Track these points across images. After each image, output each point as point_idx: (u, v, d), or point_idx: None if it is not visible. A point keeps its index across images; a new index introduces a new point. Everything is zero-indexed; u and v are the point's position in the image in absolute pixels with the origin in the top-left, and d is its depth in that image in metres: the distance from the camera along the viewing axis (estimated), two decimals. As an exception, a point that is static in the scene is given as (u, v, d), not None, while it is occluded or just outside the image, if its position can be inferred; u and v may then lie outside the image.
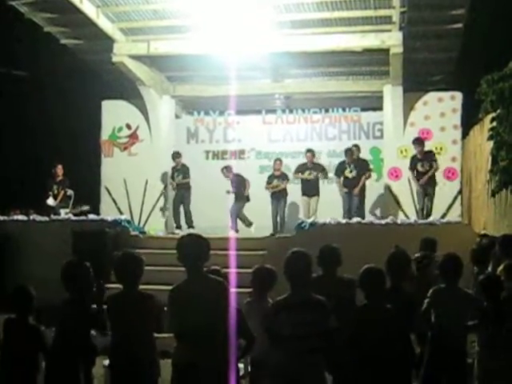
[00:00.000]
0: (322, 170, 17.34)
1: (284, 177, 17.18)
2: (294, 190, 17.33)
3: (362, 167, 16.68)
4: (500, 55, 13.82)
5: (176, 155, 17.59)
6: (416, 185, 15.99)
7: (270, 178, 17.20)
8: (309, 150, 17.42)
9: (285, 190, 17.06)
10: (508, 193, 8.87)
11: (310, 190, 17.04)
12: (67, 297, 6.57)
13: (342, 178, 16.73)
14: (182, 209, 17.46)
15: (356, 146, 17.38)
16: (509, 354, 6.86)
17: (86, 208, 17.62)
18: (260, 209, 16.94)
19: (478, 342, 7.13)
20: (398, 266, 7.26)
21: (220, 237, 15.31)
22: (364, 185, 16.64)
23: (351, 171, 16.46)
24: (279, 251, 11.67)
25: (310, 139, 19.92)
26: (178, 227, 17.25)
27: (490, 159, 8.85)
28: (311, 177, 17.03)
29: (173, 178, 17.58)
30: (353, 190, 16.37)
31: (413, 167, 15.88)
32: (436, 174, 15.93)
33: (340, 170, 16.91)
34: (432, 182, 15.80)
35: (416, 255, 9.32)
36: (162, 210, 18.35)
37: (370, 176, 16.94)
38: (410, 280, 7.95)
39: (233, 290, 7.82)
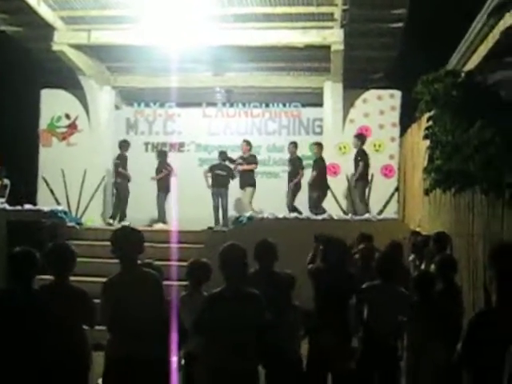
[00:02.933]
0: (252, 160, 17.38)
1: (227, 170, 17.19)
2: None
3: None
4: (439, 55, 14.08)
5: (124, 144, 17.62)
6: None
7: (212, 168, 17.23)
8: (245, 141, 17.54)
9: (226, 183, 17.04)
10: (442, 191, 9.04)
11: (243, 181, 17.10)
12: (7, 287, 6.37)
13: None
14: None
15: (293, 142, 17.51)
16: (433, 352, 6.99)
17: (6, 182, 17.31)
18: (199, 201, 16.93)
19: (408, 339, 7.24)
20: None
21: (157, 229, 15.36)
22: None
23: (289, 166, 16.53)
24: (216, 245, 11.72)
25: (250, 133, 19.92)
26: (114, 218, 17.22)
27: (426, 158, 8.98)
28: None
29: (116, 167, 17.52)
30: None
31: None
32: (370, 171, 16.29)
33: None
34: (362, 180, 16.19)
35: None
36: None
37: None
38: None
39: (171, 282, 7.84)
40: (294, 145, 17.33)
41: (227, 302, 5.86)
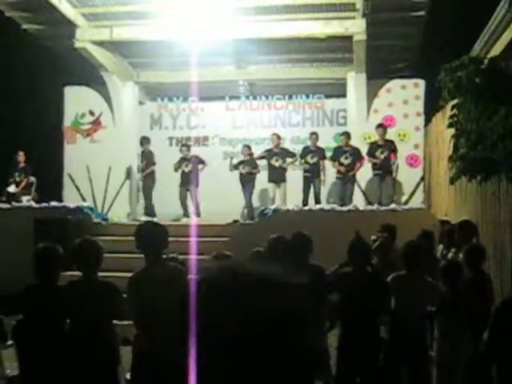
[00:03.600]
0: (290, 155, 17.35)
1: (252, 163, 17.19)
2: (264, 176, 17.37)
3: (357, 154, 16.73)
4: (463, 43, 13.97)
5: (144, 140, 17.62)
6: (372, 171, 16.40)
7: (236, 166, 17.21)
8: (274, 134, 17.48)
9: (252, 176, 17.04)
10: (467, 180, 8.98)
11: (277, 176, 17.06)
12: (34, 283, 6.35)
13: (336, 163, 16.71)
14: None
15: (314, 133, 17.49)
16: (463, 342, 6.95)
17: (32, 179, 17.43)
18: (225, 195, 16.97)
19: (438, 330, 7.20)
20: (360, 252, 7.32)
21: (182, 224, 15.37)
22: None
23: (347, 158, 16.46)
24: (241, 238, 11.75)
25: (274, 126, 19.92)
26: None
27: (451, 147, 8.92)
28: (279, 163, 17.05)
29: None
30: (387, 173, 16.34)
31: (372, 154, 16.20)
32: (397, 161, 16.23)
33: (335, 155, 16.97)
34: (390, 169, 16.21)
35: (372, 237, 9.41)
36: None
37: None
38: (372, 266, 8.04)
39: (195, 277, 7.80)
40: (316, 135, 17.34)
41: None
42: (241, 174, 16.99)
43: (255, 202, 17.35)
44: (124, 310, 6.29)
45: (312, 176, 16.84)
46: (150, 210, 17.21)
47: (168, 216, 16.48)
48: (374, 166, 16.30)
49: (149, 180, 17.51)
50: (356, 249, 7.32)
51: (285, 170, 17.16)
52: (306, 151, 17.16)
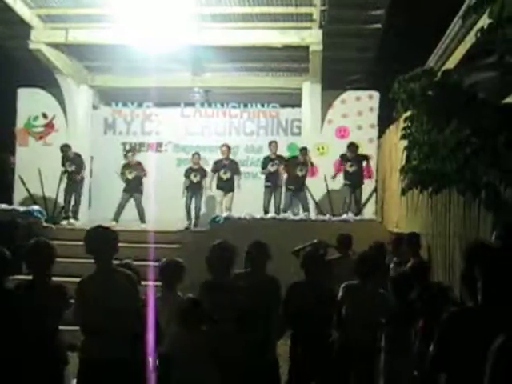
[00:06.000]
0: (236, 168, 17.30)
1: (201, 171, 17.08)
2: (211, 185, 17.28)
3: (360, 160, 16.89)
4: (418, 57, 14.09)
5: (66, 148, 17.19)
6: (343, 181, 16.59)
7: (188, 172, 17.09)
8: (224, 145, 17.43)
9: (201, 183, 16.96)
10: (419, 192, 9.05)
11: (225, 186, 17.04)
12: None
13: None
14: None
15: (274, 141, 17.52)
16: (410, 355, 6.99)
17: None
18: (177, 201, 16.87)
19: (386, 341, 7.23)
20: (313, 262, 7.33)
21: (134, 229, 15.27)
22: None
23: (351, 165, 16.48)
24: (194, 245, 11.70)
25: (229, 134, 19.99)
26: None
27: (404, 158, 8.99)
28: (227, 176, 17.01)
29: (64, 167, 17.16)
30: (357, 185, 16.53)
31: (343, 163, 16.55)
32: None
33: (265, 163, 17.16)
34: (361, 181, 16.60)
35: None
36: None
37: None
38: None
39: (147, 283, 7.78)
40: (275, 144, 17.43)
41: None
42: (191, 183, 16.90)
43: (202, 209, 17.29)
44: (70, 315, 6.22)
45: (273, 185, 16.87)
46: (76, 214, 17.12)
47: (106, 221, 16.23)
48: (345, 175, 16.43)
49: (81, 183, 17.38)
50: (310, 259, 7.32)
51: (233, 181, 17.14)
52: (266, 161, 17.18)
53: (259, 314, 6.57)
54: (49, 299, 6.13)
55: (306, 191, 16.84)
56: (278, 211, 16.34)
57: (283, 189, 16.90)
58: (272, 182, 16.97)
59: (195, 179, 16.88)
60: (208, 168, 17.30)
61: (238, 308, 6.45)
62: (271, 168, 16.97)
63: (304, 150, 16.84)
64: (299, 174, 16.65)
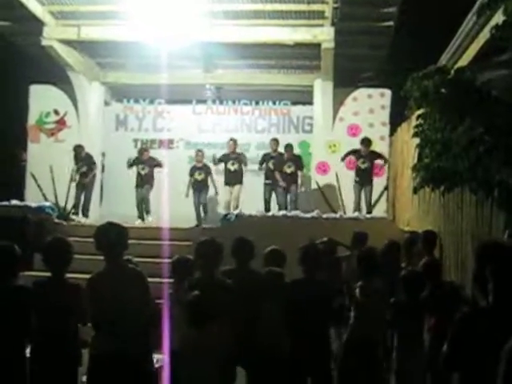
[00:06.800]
0: (243, 160, 17.42)
1: (206, 169, 17.13)
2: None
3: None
4: (430, 55, 14.05)
5: (79, 149, 17.24)
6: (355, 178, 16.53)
7: (192, 170, 17.13)
8: (231, 139, 17.47)
9: (206, 181, 17.00)
10: (431, 190, 9.01)
11: (233, 179, 17.07)
12: None
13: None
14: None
15: (274, 139, 17.61)
16: (422, 353, 6.96)
17: None
18: (187, 199, 16.85)
19: (397, 339, 7.20)
20: (311, 258, 7.27)
21: (145, 226, 15.29)
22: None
23: (364, 162, 16.39)
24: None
25: (240, 131, 19.94)
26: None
27: (416, 156, 8.95)
28: (235, 167, 17.05)
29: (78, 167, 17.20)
30: (368, 183, 16.44)
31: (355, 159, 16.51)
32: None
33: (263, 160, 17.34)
34: (371, 179, 16.52)
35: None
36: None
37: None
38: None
39: (158, 279, 7.78)
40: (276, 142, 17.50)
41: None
42: (196, 181, 16.92)
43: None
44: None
45: (272, 183, 16.89)
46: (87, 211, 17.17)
47: (122, 218, 16.25)
48: (357, 172, 16.41)
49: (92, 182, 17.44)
50: (308, 256, 7.25)
51: (241, 173, 17.22)
52: (266, 157, 17.22)
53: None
54: (67, 298, 6.12)
55: (296, 186, 16.94)
56: (280, 208, 16.32)
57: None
58: (272, 179, 17.02)
59: (199, 177, 16.90)
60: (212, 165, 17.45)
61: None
62: (271, 166, 16.98)
63: (289, 147, 16.90)
64: (288, 170, 16.68)
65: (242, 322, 6.55)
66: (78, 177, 17.08)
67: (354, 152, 16.48)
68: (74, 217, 16.52)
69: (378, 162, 16.72)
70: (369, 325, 7.21)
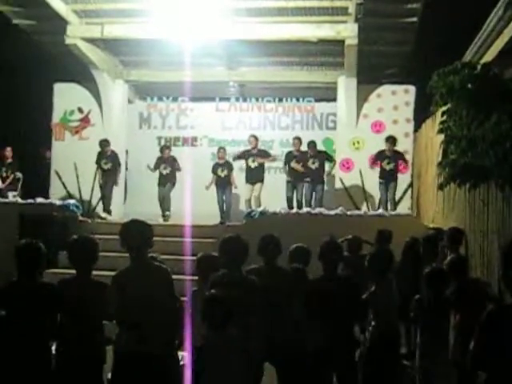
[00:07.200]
0: (265, 154, 17.47)
1: (228, 165, 17.16)
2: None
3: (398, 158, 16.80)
4: (454, 51, 13.97)
5: (105, 143, 17.28)
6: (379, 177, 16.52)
7: (215, 167, 17.16)
8: (252, 136, 17.50)
9: (229, 177, 17.04)
10: (456, 187, 8.95)
11: (254, 177, 17.07)
12: (15, 279, 6.17)
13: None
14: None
15: (297, 137, 17.59)
16: (447, 351, 6.92)
17: (18, 175, 17.46)
18: (211, 196, 16.87)
19: (419, 335, 7.16)
20: (331, 254, 7.23)
21: (169, 224, 15.31)
22: None
23: (389, 163, 16.36)
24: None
25: (263, 128, 19.96)
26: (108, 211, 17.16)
27: (441, 153, 8.89)
28: (255, 164, 17.05)
29: (99, 164, 17.26)
30: (392, 181, 16.41)
31: (380, 160, 16.46)
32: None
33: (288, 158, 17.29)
34: (396, 177, 16.44)
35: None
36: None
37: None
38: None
39: (183, 277, 7.77)
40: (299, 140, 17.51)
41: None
42: (219, 177, 16.94)
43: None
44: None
45: (295, 180, 16.88)
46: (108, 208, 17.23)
47: (146, 216, 16.26)
48: (382, 173, 16.40)
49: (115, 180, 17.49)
50: (328, 253, 7.21)
51: (263, 170, 17.21)
52: (289, 156, 17.18)
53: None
54: (92, 295, 6.13)
55: (323, 184, 16.92)
56: (300, 206, 16.32)
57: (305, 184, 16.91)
58: (294, 176, 17.01)
59: (222, 174, 16.92)
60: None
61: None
62: (294, 165, 16.97)
63: (312, 143, 16.93)
64: (312, 166, 16.73)
65: (269, 320, 6.54)
66: (100, 174, 17.13)
67: (379, 154, 16.42)
68: (103, 214, 16.62)
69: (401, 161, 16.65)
70: (387, 322, 7.20)
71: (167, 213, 16.97)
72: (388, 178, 16.25)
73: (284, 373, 6.94)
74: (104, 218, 16.51)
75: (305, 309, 6.89)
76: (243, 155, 17.32)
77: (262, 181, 17.05)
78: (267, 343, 6.43)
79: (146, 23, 15.44)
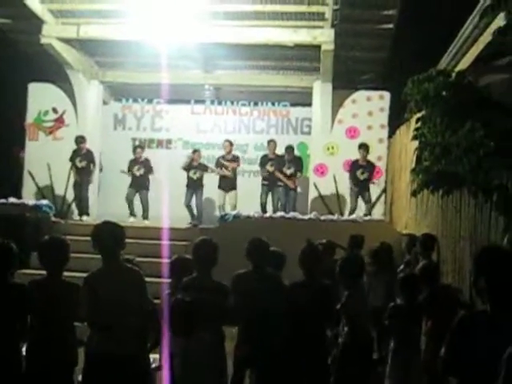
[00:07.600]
0: (237, 161, 17.59)
1: (202, 168, 17.20)
2: (208, 182, 17.43)
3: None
4: (429, 58, 14.04)
5: (81, 140, 17.21)
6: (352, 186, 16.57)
7: (187, 167, 17.20)
8: (227, 140, 17.61)
9: (201, 180, 17.09)
10: (429, 193, 8.99)
11: (227, 183, 17.17)
12: None
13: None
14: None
15: (272, 140, 17.70)
16: (419, 357, 6.97)
17: None
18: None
19: (392, 342, 7.19)
20: (310, 259, 7.24)
21: (142, 226, 15.27)
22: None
23: (363, 173, 16.41)
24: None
25: (238, 131, 19.97)
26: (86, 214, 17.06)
27: (414, 159, 8.94)
28: (229, 173, 17.14)
29: (74, 162, 17.16)
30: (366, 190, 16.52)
31: (352, 172, 16.46)
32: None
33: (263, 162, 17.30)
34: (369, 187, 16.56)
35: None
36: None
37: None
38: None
39: (155, 279, 7.74)
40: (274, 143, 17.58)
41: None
42: (191, 179, 16.95)
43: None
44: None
45: (270, 184, 16.91)
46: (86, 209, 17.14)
47: (119, 217, 16.25)
48: (356, 182, 16.43)
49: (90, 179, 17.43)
50: (307, 258, 7.22)
51: (235, 177, 17.29)
52: (264, 159, 17.21)
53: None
54: (63, 296, 6.11)
55: (295, 189, 17.05)
56: (276, 210, 16.36)
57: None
58: (269, 180, 17.05)
59: (195, 176, 16.92)
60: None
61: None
62: (270, 168, 16.99)
63: (290, 148, 17.05)
64: (287, 172, 16.84)
65: (254, 324, 6.55)
66: (75, 173, 17.04)
67: (353, 164, 16.50)
68: (84, 218, 16.53)
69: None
70: (360, 326, 7.22)
71: (146, 221, 16.90)
72: (361, 187, 16.34)
73: (261, 377, 6.93)
74: (82, 220, 16.40)
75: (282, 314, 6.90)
76: (219, 163, 17.31)
77: (235, 188, 17.15)
78: (252, 348, 6.45)
79: (123, 24, 15.40)
